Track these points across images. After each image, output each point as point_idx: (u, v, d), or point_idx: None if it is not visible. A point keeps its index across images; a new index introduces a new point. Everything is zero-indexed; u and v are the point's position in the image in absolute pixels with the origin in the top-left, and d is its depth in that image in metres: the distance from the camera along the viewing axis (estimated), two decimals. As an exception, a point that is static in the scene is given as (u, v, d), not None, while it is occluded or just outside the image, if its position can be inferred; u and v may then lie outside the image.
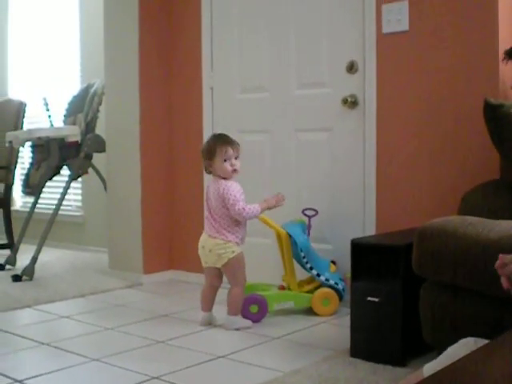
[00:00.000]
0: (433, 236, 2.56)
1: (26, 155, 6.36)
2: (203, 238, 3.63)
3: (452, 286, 2.55)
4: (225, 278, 3.67)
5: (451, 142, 3.59)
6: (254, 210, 3.55)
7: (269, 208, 3.64)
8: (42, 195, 5.43)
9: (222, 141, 3.59)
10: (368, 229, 3.88)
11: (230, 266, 3.56)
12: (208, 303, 3.65)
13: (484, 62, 3.43)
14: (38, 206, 5.43)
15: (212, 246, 3.57)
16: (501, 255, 1.83)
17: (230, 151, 3.56)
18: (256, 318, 3.65)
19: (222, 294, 3.66)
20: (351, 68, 3.96)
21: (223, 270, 3.60)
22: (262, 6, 4.37)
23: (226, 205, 3.53)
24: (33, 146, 5.46)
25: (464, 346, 1.88)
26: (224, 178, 3.57)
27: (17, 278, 4.76)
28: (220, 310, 3.64)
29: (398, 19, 3.74)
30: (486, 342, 1.70)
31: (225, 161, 3.55)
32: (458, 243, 2.47)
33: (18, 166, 6.01)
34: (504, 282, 1.82)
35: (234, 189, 3.55)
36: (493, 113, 2.98)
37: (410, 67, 3.73)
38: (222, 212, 3.55)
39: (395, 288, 2.91)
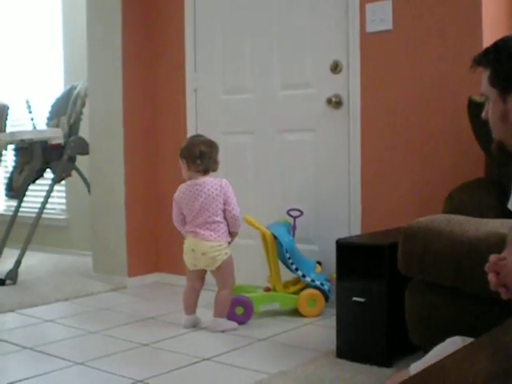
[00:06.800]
0: (418, 235, 2.54)
1: (9, 158, 6.30)
2: (192, 241, 3.54)
3: (438, 285, 2.53)
4: (207, 281, 3.66)
5: (437, 140, 3.58)
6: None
7: None
8: (25, 198, 5.38)
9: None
10: (353, 229, 3.86)
11: (223, 268, 3.53)
12: (191, 306, 3.62)
13: (469, 61, 3.41)
14: (21, 209, 5.39)
15: (206, 248, 3.50)
16: (492, 256, 1.82)
17: None
18: (242, 320, 3.63)
19: (207, 296, 3.65)
20: (335, 68, 3.95)
21: (214, 272, 3.55)
22: (245, 7, 4.35)
23: (226, 205, 3.53)
24: (16, 149, 5.41)
25: (451, 345, 1.86)
26: None
27: (0, 282, 4.71)
28: (204, 313, 3.61)
29: (381, 18, 3.73)
30: (473, 340, 1.67)
31: None
32: (444, 242, 2.45)
33: (1, 169, 5.96)
34: (492, 279, 1.80)
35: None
36: (477, 110, 2.97)
37: (394, 66, 3.72)
38: (220, 212, 3.53)
39: (381, 288, 2.90)
